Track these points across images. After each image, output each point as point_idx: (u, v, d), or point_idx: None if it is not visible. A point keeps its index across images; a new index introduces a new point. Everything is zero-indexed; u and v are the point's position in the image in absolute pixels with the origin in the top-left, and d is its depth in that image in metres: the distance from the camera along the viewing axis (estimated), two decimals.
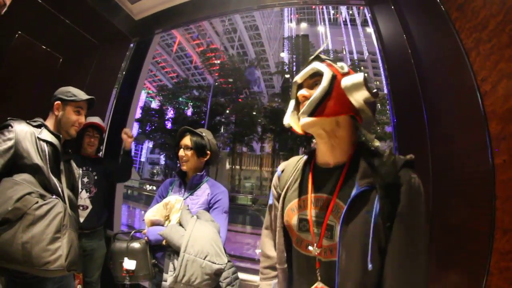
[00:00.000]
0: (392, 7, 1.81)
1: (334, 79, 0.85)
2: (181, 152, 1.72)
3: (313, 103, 0.84)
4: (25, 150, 1.35)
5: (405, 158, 0.82)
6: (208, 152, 1.76)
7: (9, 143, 1.33)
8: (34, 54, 2.24)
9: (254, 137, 24.05)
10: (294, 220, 0.93)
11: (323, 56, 0.94)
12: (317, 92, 0.84)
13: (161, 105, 25.31)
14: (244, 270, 2.19)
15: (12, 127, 1.37)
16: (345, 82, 0.84)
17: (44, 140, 1.42)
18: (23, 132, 1.37)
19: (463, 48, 1.21)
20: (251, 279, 2.03)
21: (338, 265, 0.79)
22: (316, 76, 0.89)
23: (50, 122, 1.54)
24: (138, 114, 24.28)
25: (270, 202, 1.11)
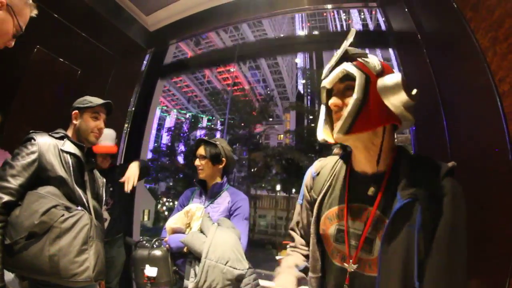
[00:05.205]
0: (406, 9, 1.78)
1: (368, 84, 0.74)
2: (197, 162, 1.78)
3: (348, 119, 0.73)
4: (48, 162, 1.34)
5: (447, 166, 0.74)
6: (223, 159, 1.80)
7: (33, 157, 1.32)
8: (53, 67, 2.32)
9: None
10: (331, 230, 0.85)
11: (352, 51, 0.80)
12: (351, 105, 0.73)
13: (172, 142, 24.62)
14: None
15: (35, 140, 1.36)
16: (381, 85, 0.73)
17: (67, 152, 1.41)
18: (46, 145, 1.37)
19: (479, 48, 1.17)
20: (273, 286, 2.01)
21: (378, 281, 0.73)
22: (347, 80, 0.77)
23: (70, 133, 1.53)
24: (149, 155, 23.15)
25: (300, 202, 1.01)
